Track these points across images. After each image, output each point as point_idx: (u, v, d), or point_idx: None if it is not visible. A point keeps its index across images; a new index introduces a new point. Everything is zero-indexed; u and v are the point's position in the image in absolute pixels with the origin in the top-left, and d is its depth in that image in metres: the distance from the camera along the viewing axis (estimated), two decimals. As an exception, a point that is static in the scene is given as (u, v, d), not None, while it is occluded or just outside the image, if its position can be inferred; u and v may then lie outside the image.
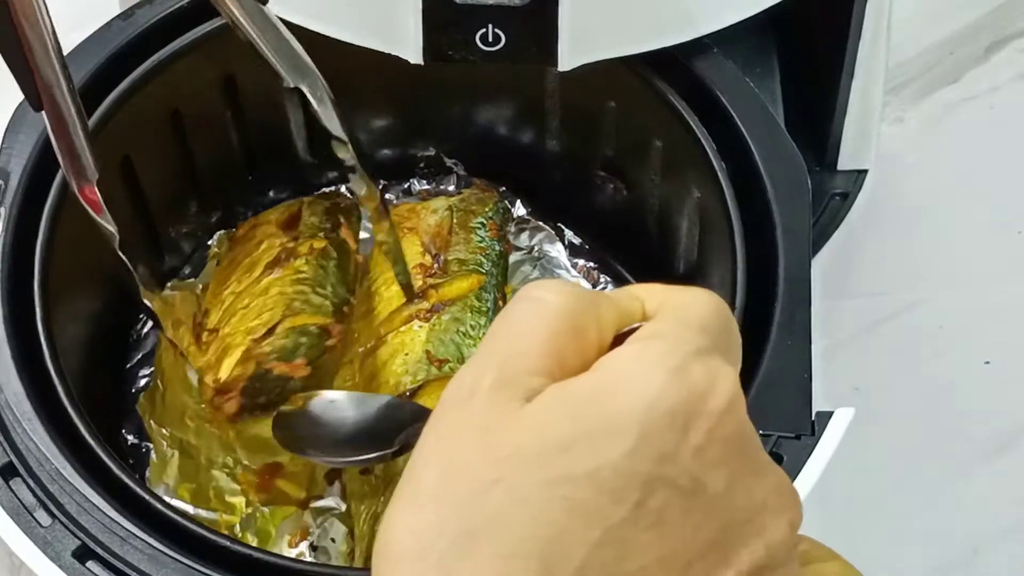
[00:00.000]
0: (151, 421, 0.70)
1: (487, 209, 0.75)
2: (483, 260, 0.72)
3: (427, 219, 0.74)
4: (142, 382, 0.72)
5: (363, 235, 0.76)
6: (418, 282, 0.70)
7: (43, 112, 0.54)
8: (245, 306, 0.69)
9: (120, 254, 0.61)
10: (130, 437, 0.70)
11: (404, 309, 0.69)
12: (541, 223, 0.77)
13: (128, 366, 0.73)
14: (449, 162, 0.78)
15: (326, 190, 0.78)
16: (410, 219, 0.74)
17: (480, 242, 0.73)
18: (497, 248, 0.74)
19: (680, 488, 0.35)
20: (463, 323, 0.69)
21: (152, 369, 0.72)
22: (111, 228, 0.59)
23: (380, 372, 0.68)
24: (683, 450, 0.35)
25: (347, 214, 0.75)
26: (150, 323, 0.73)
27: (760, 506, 0.36)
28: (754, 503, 0.36)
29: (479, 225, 0.74)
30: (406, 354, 0.68)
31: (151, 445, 0.70)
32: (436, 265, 0.72)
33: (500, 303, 0.72)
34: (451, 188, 0.78)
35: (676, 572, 0.35)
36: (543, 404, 0.36)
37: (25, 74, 0.52)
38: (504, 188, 0.77)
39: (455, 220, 0.74)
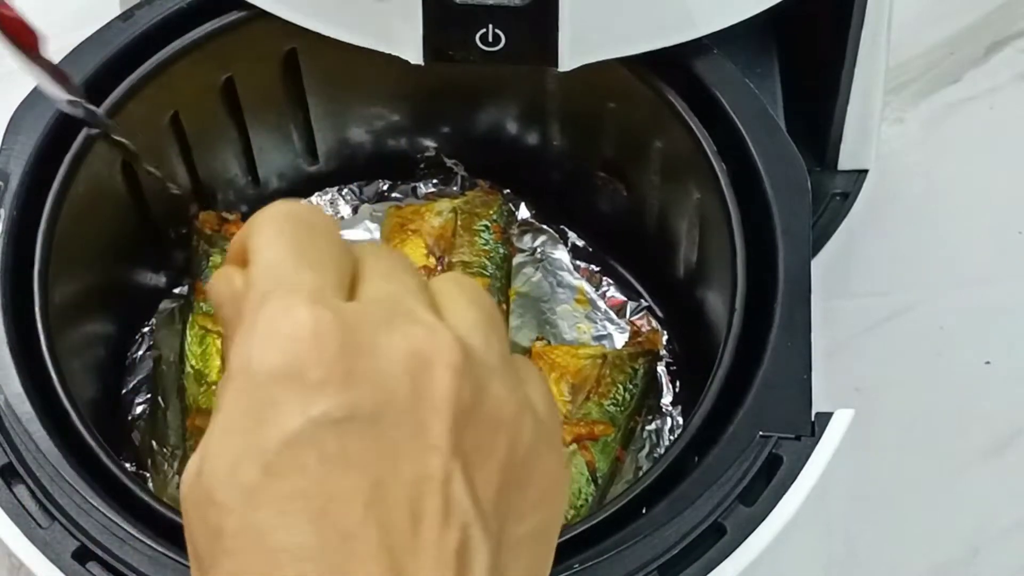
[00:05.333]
0: (152, 442, 0.69)
1: (491, 212, 0.75)
2: (487, 263, 0.72)
3: (431, 221, 0.74)
4: (138, 409, 0.71)
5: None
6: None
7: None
8: None
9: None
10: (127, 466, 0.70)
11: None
12: (545, 225, 0.77)
13: (124, 391, 0.72)
14: (449, 162, 0.78)
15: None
16: (414, 221, 0.74)
17: (484, 245, 0.73)
18: (501, 251, 0.74)
19: (332, 421, 0.36)
20: (465, 324, 0.69)
21: (148, 395, 0.71)
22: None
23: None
24: (306, 401, 0.36)
25: None
26: (145, 346, 0.73)
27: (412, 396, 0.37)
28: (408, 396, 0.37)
29: (483, 228, 0.74)
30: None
31: (147, 474, 0.69)
32: (440, 267, 0.72)
33: (503, 306, 0.72)
34: (455, 189, 0.78)
35: (388, 475, 0.36)
36: None
37: None
38: (508, 190, 0.77)
39: (459, 222, 0.74)
